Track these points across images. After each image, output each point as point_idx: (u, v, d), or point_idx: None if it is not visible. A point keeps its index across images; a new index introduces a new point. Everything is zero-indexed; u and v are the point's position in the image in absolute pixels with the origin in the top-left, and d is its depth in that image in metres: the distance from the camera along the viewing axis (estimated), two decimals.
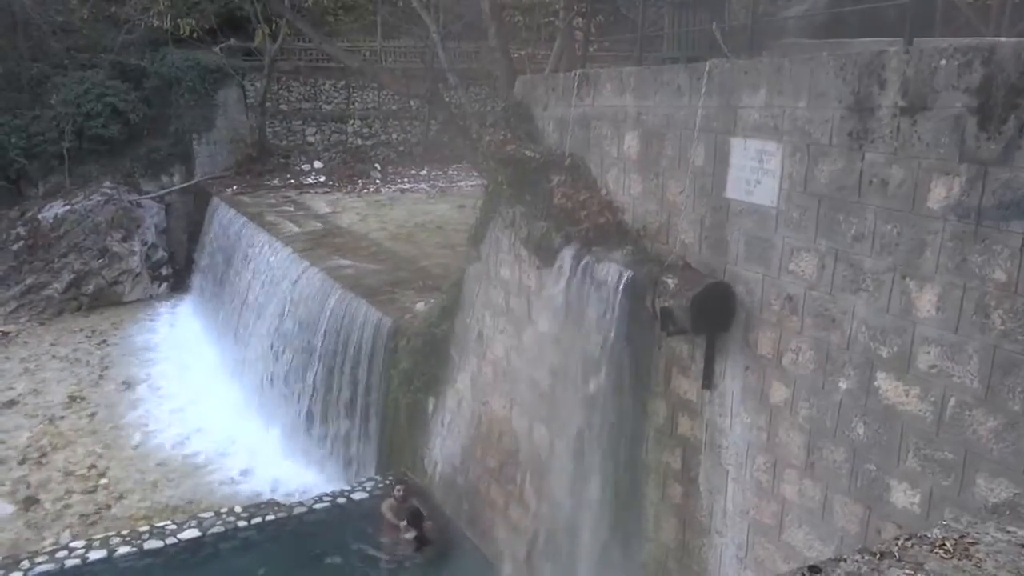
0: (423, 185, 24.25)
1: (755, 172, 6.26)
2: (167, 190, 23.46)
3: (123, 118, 22.87)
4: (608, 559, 7.80)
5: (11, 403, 15.93)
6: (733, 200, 6.46)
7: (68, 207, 21.77)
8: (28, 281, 20.94)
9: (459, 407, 10.76)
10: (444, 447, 11.05)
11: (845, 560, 3.05)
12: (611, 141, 7.88)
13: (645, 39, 9.21)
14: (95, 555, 9.83)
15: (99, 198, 22.13)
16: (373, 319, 12.18)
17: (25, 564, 9.68)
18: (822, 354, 5.79)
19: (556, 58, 13.21)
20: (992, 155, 4.66)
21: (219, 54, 23.58)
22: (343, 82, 26.26)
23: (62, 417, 15.34)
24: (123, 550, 9.92)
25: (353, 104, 26.70)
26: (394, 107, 26.81)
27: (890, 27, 7.16)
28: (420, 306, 12.21)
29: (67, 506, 12.18)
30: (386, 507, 10.59)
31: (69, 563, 9.70)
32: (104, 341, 19.34)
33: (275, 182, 23.97)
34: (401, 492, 10.69)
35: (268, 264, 16.27)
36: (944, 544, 3.22)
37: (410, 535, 10.13)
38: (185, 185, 23.64)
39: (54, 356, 18.45)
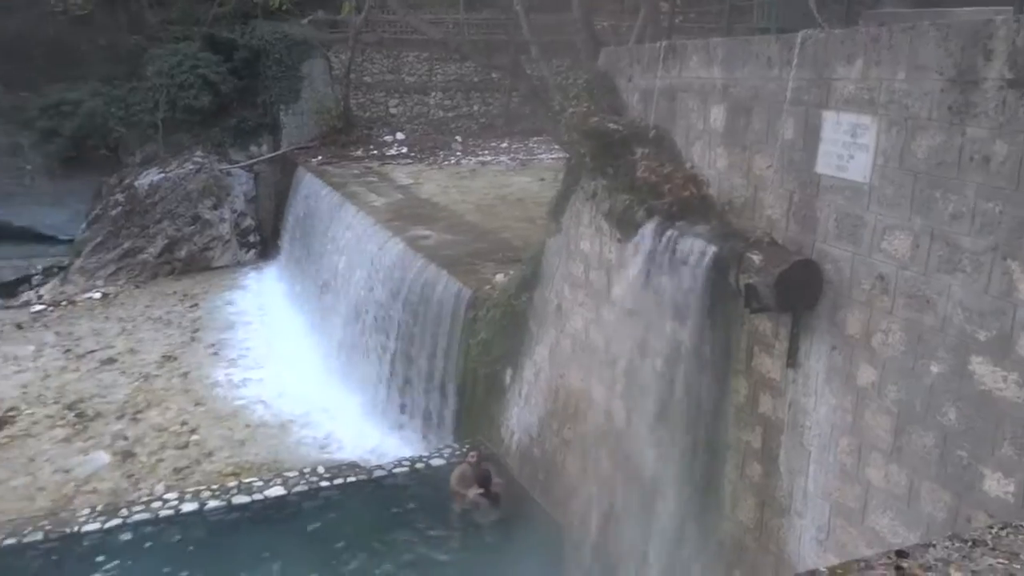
0: (504, 157, 24.27)
1: (848, 147, 6.07)
2: (255, 160, 24.09)
3: (214, 89, 23.55)
4: (683, 535, 7.78)
5: (110, 360, 16.76)
6: (824, 175, 6.29)
7: (162, 175, 22.60)
8: (125, 245, 21.88)
9: (536, 379, 10.83)
10: (521, 418, 11.16)
11: (934, 546, 2.98)
12: (697, 114, 7.75)
13: (734, 9, 9.00)
14: (187, 507, 10.31)
15: (191, 167, 22.90)
16: (453, 289, 12.32)
17: (124, 512, 10.23)
18: (913, 336, 5.62)
19: (641, 29, 12.99)
20: None
21: (306, 26, 24.01)
22: (426, 54, 26.41)
23: (156, 376, 16.06)
24: (213, 503, 10.38)
25: (435, 76, 26.84)
26: (476, 79, 26.85)
27: None
28: (499, 278, 12.29)
29: (160, 460, 12.78)
30: (456, 474, 10.73)
31: (163, 513, 10.21)
32: (195, 304, 20.10)
33: (358, 153, 24.36)
34: (474, 459, 10.83)
35: (351, 234, 16.60)
36: None
37: (476, 492, 10.28)
38: (272, 155, 24.23)
39: (149, 317, 19.29)
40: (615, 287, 8.85)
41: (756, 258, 6.51)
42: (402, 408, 13.12)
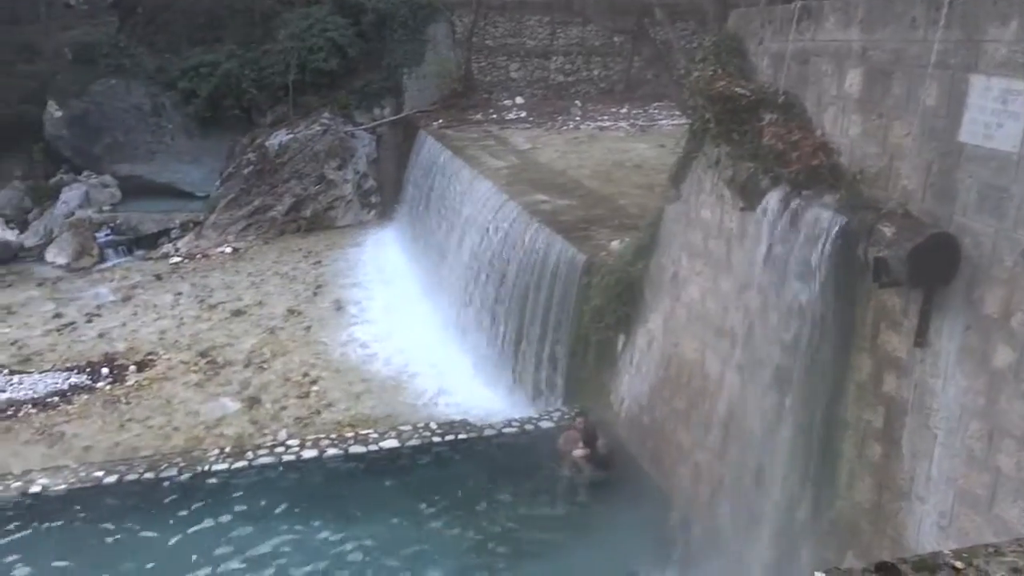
0: (623, 123, 23.96)
1: (997, 114, 5.69)
2: (378, 122, 24.64)
3: (341, 52, 24.17)
4: (795, 512, 7.61)
5: (240, 312, 17.66)
6: (967, 145, 5.92)
7: (291, 136, 23.44)
8: (255, 203, 22.90)
9: (649, 347, 10.75)
10: (631, 385, 11.12)
11: None
12: (831, 78, 7.42)
13: None
14: (307, 454, 10.82)
15: (318, 128, 23.66)
16: (567, 255, 12.33)
17: (249, 455, 10.83)
18: None
19: None
20: None
21: None
22: (548, 18, 26.26)
23: (281, 328, 16.82)
24: (331, 452, 10.85)
25: (557, 40, 26.67)
26: (597, 43, 26.53)
27: None
28: (615, 244, 12.20)
29: (284, 408, 13.41)
30: (563, 438, 10.81)
31: (285, 458, 10.75)
32: (319, 262, 20.88)
33: (478, 117, 24.55)
34: (582, 424, 10.87)
35: (468, 197, 16.81)
36: None
37: (581, 452, 10.33)
38: (395, 118, 24.72)
39: (276, 272, 20.18)
40: (735, 257, 8.66)
41: (888, 230, 6.22)
42: (513, 370, 13.29)
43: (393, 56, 24.84)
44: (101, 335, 16.57)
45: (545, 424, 11.55)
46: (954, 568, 2.59)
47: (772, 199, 7.49)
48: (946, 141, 6.10)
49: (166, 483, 10.40)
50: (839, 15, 7.31)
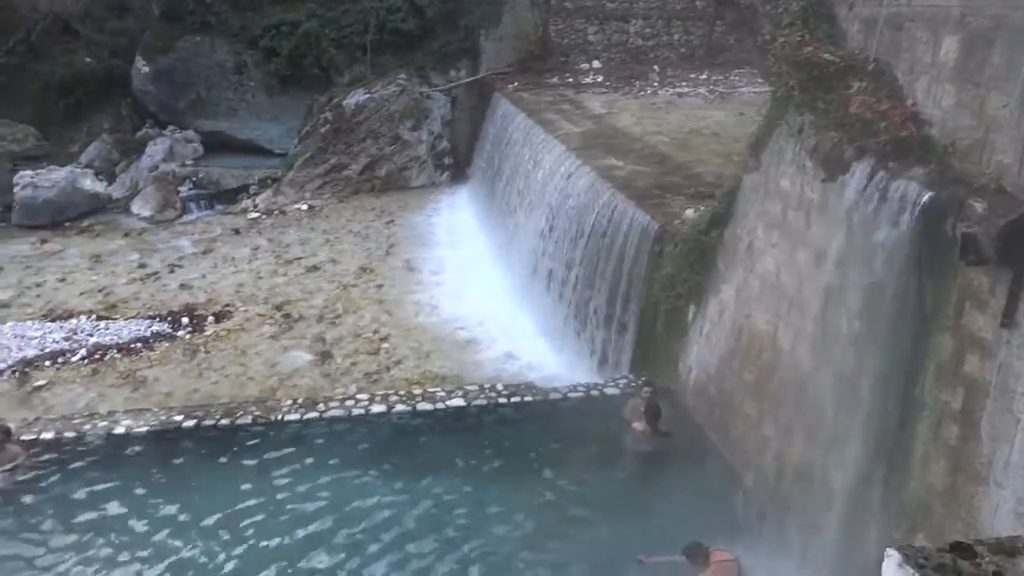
0: (702, 90, 23.45)
1: None
2: (453, 84, 24.65)
3: (419, 13, 24.20)
4: (864, 491, 7.48)
5: (314, 268, 18.05)
6: None
7: (368, 96, 23.65)
8: (332, 161, 23.25)
9: (720, 317, 10.62)
10: (700, 355, 11.02)
11: None
12: (925, 46, 7.11)
13: None
14: (376, 408, 11.08)
15: (394, 88, 23.81)
16: (640, 222, 12.20)
17: (321, 407, 11.15)
18: None
19: None
20: None
21: None
22: None
23: (354, 285, 17.13)
24: (399, 408, 11.08)
25: (636, 3, 26.13)
26: (678, 7, 25.93)
27: None
28: (689, 212, 12.03)
29: (354, 363, 13.71)
30: (629, 405, 10.78)
31: (355, 412, 11.03)
32: (391, 221, 21.14)
33: (554, 80, 24.33)
34: (648, 393, 10.83)
35: (542, 160, 16.74)
36: None
37: (640, 427, 10.29)
38: (470, 79, 24.69)
39: (349, 231, 20.51)
40: (814, 229, 8.45)
41: (979, 206, 5.99)
42: (580, 336, 13.29)
43: (470, 17, 24.74)
44: (182, 286, 17.14)
45: (611, 391, 11.55)
46: None
47: (856, 170, 7.28)
48: None
49: (241, 430, 10.78)
50: None
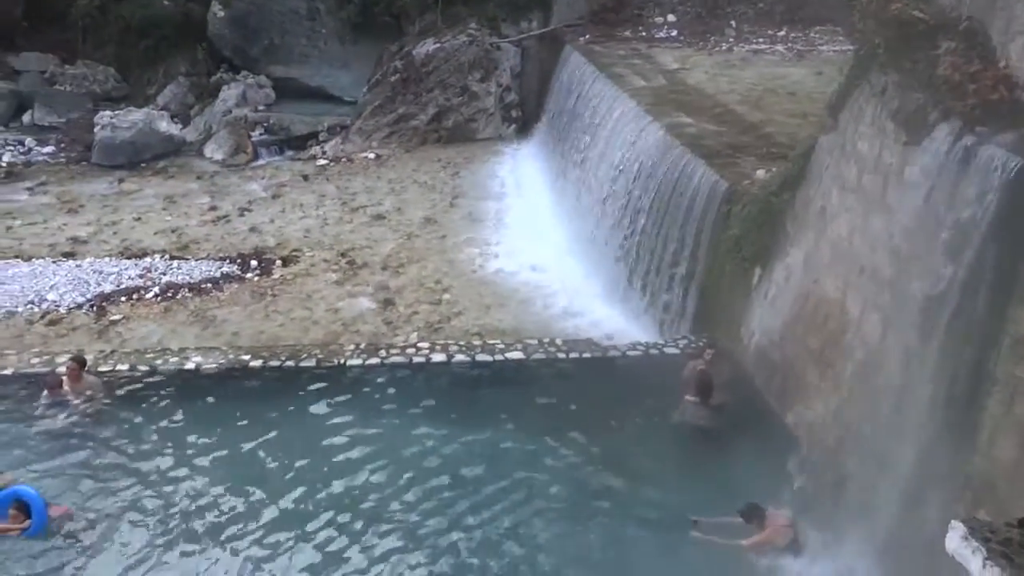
0: (779, 47, 22.72)
1: None
2: (524, 35, 24.33)
3: None
4: (926, 464, 7.32)
5: (379, 217, 18.23)
6: None
7: (438, 45, 23.52)
8: (400, 111, 23.28)
9: (786, 282, 10.42)
10: (764, 319, 10.85)
11: None
12: None
13: None
14: (436, 357, 11.23)
15: (464, 39, 23.61)
16: (709, 181, 11.99)
17: (382, 353, 11.35)
18: None
19: None
20: None
21: None
22: None
23: (418, 235, 17.27)
24: (459, 358, 11.22)
25: None
26: None
27: None
28: (760, 173, 11.77)
29: (416, 312, 13.88)
30: (688, 369, 10.64)
31: (416, 360, 11.21)
32: (456, 173, 21.15)
33: (626, 34, 23.84)
34: (710, 356, 10.70)
35: (611, 116, 16.50)
36: None
37: (692, 399, 10.14)
38: (541, 31, 24.33)
39: (415, 181, 20.61)
40: (891, 194, 8.18)
41: None
42: (642, 294, 13.20)
43: None
44: (251, 229, 17.50)
45: (670, 350, 11.49)
46: None
47: (941, 134, 7.01)
48: None
49: (304, 373, 11.05)
50: None
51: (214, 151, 22.54)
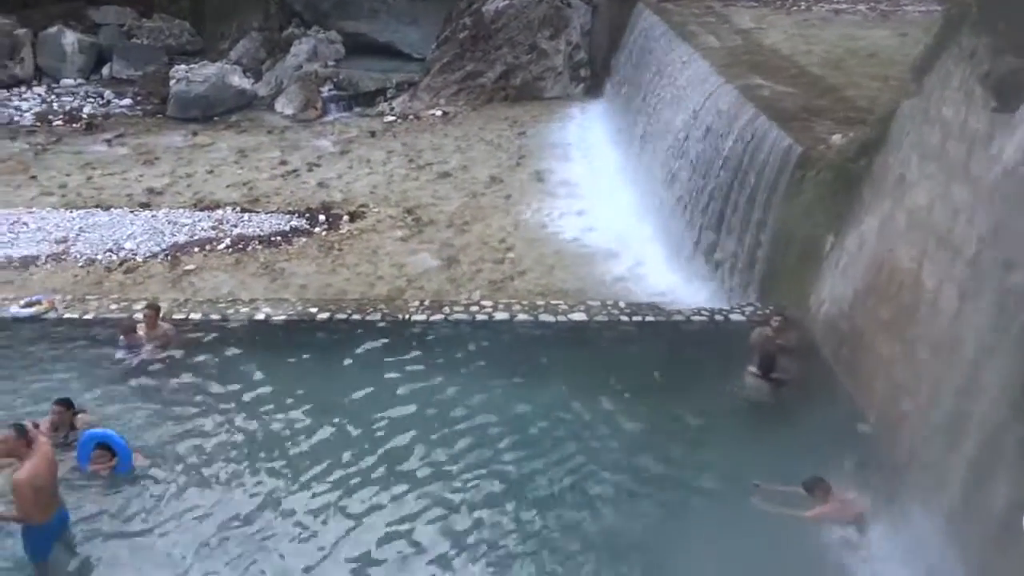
0: (861, 6, 21.91)
1: None
2: None
3: None
4: (999, 445, 7.11)
5: (445, 175, 18.31)
6: None
7: (507, 2, 23.31)
8: (468, 68, 23.22)
9: (860, 250, 10.14)
10: (834, 288, 10.60)
11: None
12: None
13: None
14: (499, 315, 11.26)
15: None
16: (782, 145, 11.67)
17: (446, 310, 11.43)
18: None
19: None
20: None
21: None
22: None
23: (483, 194, 17.29)
24: (521, 317, 11.23)
25: None
26: None
27: None
28: (836, 138, 11.41)
29: (479, 271, 13.96)
30: (755, 336, 10.45)
31: (479, 317, 11.26)
32: (523, 132, 21.06)
33: None
34: (778, 324, 10.48)
35: (683, 76, 16.16)
36: None
37: (753, 371, 9.95)
38: None
39: (481, 139, 20.59)
40: (976, 162, 7.85)
41: None
42: (708, 259, 13.01)
43: None
44: (320, 184, 17.76)
45: (736, 317, 11.32)
46: None
47: None
48: None
49: (369, 326, 11.22)
50: None
51: (284, 106, 22.84)
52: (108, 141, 20.43)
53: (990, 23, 7.45)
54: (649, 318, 11.35)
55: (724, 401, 9.99)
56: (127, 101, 23.33)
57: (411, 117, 22.40)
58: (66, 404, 8.84)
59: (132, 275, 13.61)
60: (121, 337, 10.60)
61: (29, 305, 11.44)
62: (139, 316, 10.91)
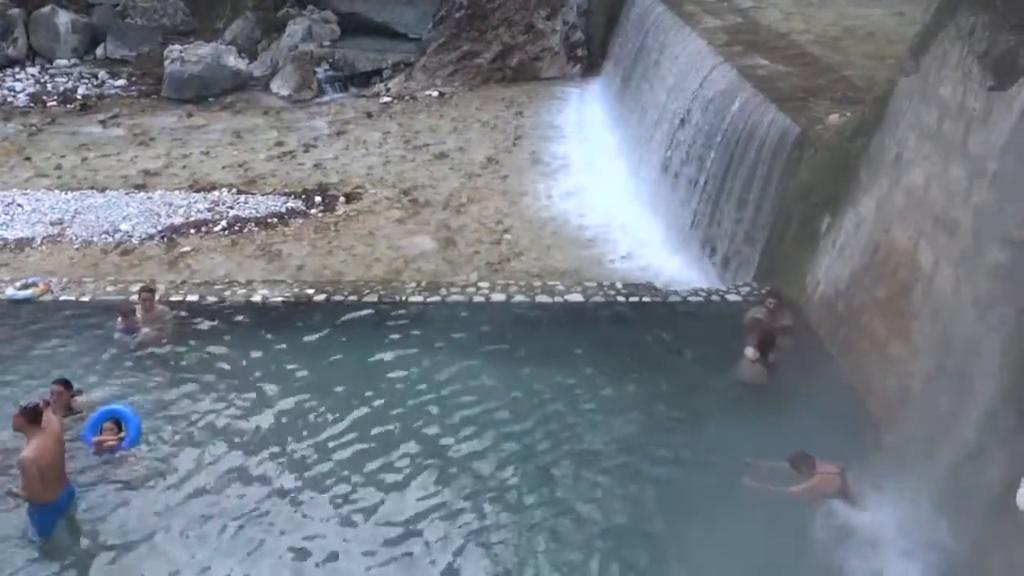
0: None
1: None
2: None
3: None
4: (996, 427, 7.14)
5: (442, 155, 18.23)
6: None
7: None
8: (464, 48, 23.07)
9: (856, 230, 10.14)
10: (830, 268, 10.61)
11: None
12: None
13: None
14: (496, 297, 11.31)
15: None
16: (780, 125, 11.65)
17: (442, 291, 11.47)
18: None
19: None
20: None
21: None
22: None
23: (479, 175, 17.23)
24: (519, 298, 11.28)
25: None
26: None
27: None
28: (833, 118, 11.39)
29: (476, 252, 13.93)
30: (750, 316, 10.43)
31: (476, 299, 11.30)
32: (520, 113, 20.96)
33: None
34: (773, 305, 10.49)
35: (680, 56, 16.09)
36: None
37: (751, 354, 9.97)
38: None
39: (477, 120, 20.50)
40: (973, 142, 7.85)
41: None
42: (705, 240, 13.02)
43: None
44: (316, 165, 17.69)
45: (732, 297, 11.36)
46: None
47: None
48: None
49: (366, 308, 11.24)
50: None
51: (280, 86, 22.70)
52: (103, 122, 20.32)
53: (988, 1, 7.42)
54: (646, 298, 11.42)
55: (720, 382, 10.02)
56: (121, 82, 23.17)
57: (407, 98, 22.29)
58: (65, 384, 8.87)
59: (128, 257, 13.59)
60: (119, 319, 10.61)
61: (25, 287, 11.45)
62: (135, 298, 10.90)
